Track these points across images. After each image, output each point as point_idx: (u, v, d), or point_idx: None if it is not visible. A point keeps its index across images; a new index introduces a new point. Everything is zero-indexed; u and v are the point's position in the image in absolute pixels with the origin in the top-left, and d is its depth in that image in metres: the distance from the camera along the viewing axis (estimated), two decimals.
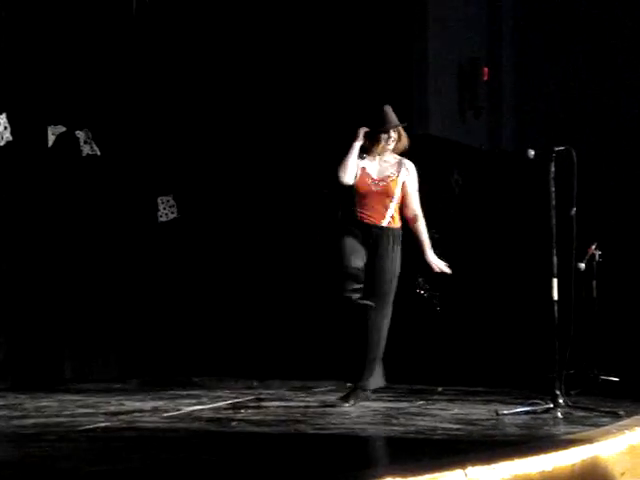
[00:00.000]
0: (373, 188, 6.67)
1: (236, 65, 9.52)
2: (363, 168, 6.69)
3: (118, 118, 8.73)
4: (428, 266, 9.36)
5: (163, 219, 9.13)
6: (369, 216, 6.65)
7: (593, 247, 8.18)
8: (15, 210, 8.04)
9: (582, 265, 7.91)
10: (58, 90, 8.29)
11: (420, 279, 9.20)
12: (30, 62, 8.12)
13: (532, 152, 6.40)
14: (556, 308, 6.29)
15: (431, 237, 6.85)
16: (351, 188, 6.66)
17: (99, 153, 8.55)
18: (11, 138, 7.93)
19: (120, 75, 8.75)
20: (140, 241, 8.91)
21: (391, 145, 6.71)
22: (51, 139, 8.28)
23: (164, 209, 9.10)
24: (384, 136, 6.67)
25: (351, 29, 9.67)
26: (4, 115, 7.90)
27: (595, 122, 10.13)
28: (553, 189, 6.34)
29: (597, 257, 8.19)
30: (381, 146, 6.68)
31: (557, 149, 6.38)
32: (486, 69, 10.40)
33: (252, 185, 9.45)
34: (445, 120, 10.07)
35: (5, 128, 7.90)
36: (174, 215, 9.16)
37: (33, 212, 8.15)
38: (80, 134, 8.48)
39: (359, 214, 6.65)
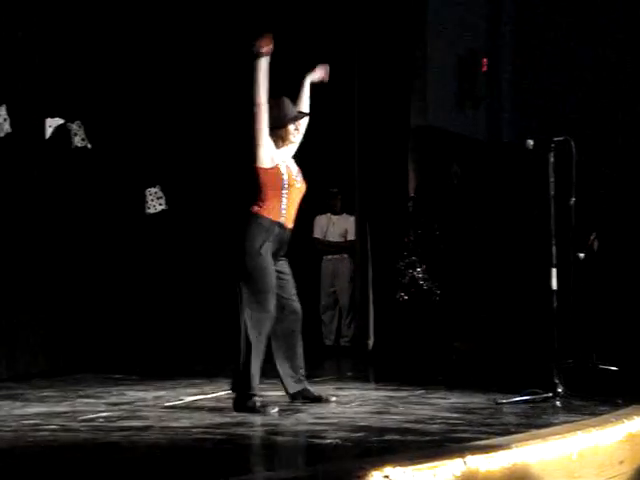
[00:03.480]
0: (297, 185, 6.13)
1: (228, 57, 9.51)
2: (280, 159, 6.11)
3: (108, 110, 8.74)
4: (426, 257, 9.42)
5: (151, 211, 9.13)
6: (286, 219, 6.09)
7: (592, 237, 8.20)
8: (12, 202, 8.06)
9: (581, 255, 7.93)
10: (56, 82, 8.31)
11: (419, 269, 9.23)
12: (29, 54, 8.13)
13: (531, 142, 6.41)
14: (555, 297, 6.31)
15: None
16: (255, 179, 6.06)
17: (89, 145, 8.56)
18: (10, 130, 7.94)
19: (112, 68, 8.77)
20: (128, 233, 8.92)
21: (297, 137, 6.24)
22: (48, 131, 8.29)
23: (152, 201, 9.10)
24: (291, 127, 6.15)
25: (349, 20, 9.68)
26: (4, 107, 7.91)
27: (594, 111, 10.15)
28: (552, 179, 6.36)
29: (596, 246, 8.22)
30: (289, 137, 6.17)
31: (556, 139, 6.39)
32: (485, 60, 10.41)
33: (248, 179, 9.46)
34: (444, 111, 10.09)
35: (5, 120, 7.91)
36: (162, 207, 9.15)
37: (29, 204, 8.17)
38: (72, 126, 8.49)
39: (271, 213, 6.03)
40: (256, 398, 5.86)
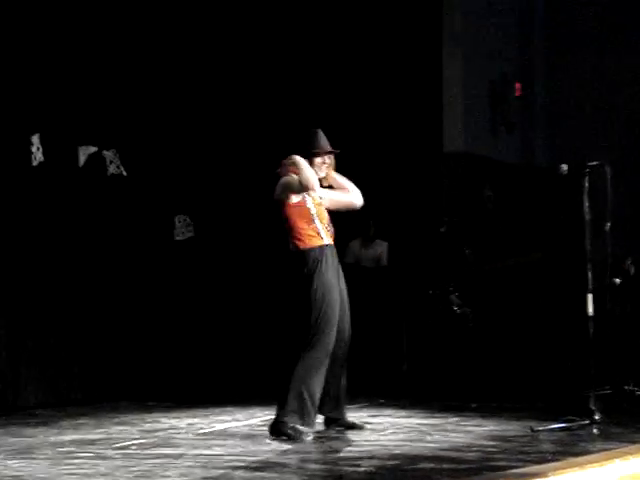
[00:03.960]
0: (324, 212, 6.17)
1: (259, 88, 9.56)
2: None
3: (139, 138, 8.81)
4: (460, 282, 9.37)
5: (179, 238, 9.19)
6: (327, 235, 6.14)
7: (628, 262, 8.13)
8: (46, 230, 8.12)
9: (617, 280, 7.86)
10: (88, 111, 8.39)
11: (452, 295, 9.18)
12: (62, 83, 8.21)
13: (565, 167, 6.37)
14: (591, 323, 6.25)
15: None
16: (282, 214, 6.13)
17: (125, 173, 8.63)
18: (43, 159, 8.02)
19: (144, 97, 8.85)
20: (156, 259, 8.97)
21: (323, 172, 6.20)
22: (82, 159, 8.36)
23: (181, 228, 9.16)
24: (318, 160, 6.16)
25: (382, 47, 9.70)
26: (37, 136, 7.99)
27: (628, 136, 10.09)
28: (587, 204, 6.31)
29: (632, 271, 8.15)
30: (315, 169, 6.11)
31: (590, 164, 6.35)
32: (518, 85, 10.39)
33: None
34: (477, 136, 10.07)
35: (38, 149, 7.98)
36: (190, 234, 9.21)
37: (62, 232, 8.23)
38: (107, 154, 8.56)
39: (320, 236, 6.09)
40: (302, 428, 5.82)
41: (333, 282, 6.02)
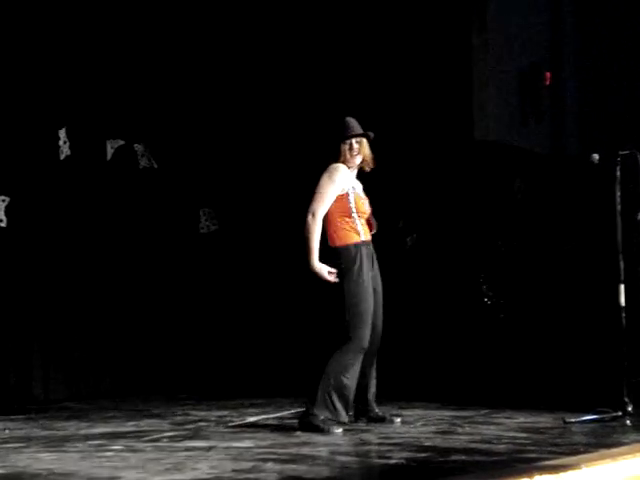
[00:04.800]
0: (366, 208, 6.20)
1: (287, 77, 9.53)
2: (350, 185, 6.15)
3: (164, 131, 8.83)
4: (491, 273, 9.32)
5: (204, 231, 9.20)
6: (365, 233, 6.15)
7: None
8: (73, 224, 8.16)
9: None
10: (115, 105, 8.41)
11: (484, 286, 9.13)
12: (89, 77, 8.23)
13: (596, 156, 6.32)
14: (623, 314, 6.19)
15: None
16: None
17: (156, 166, 8.67)
18: (70, 152, 8.04)
19: (168, 90, 8.87)
20: (182, 252, 8.99)
21: (357, 158, 6.15)
22: (110, 152, 8.38)
23: (205, 221, 9.17)
24: (344, 147, 6.12)
25: (411, 35, 9.64)
26: (64, 130, 8.01)
27: None
28: (619, 193, 6.25)
29: None
30: (346, 158, 6.11)
31: (622, 153, 6.29)
32: (548, 74, 10.30)
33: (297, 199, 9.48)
34: (507, 126, 9.99)
35: (65, 142, 8.01)
36: (215, 227, 9.22)
37: (89, 226, 8.27)
38: (138, 147, 8.59)
39: (358, 232, 6.09)
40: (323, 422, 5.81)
41: (366, 279, 6.00)
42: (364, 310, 5.95)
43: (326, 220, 6.05)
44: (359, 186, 6.25)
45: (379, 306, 6.17)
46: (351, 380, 5.91)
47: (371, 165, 6.25)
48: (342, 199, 6.06)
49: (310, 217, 5.97)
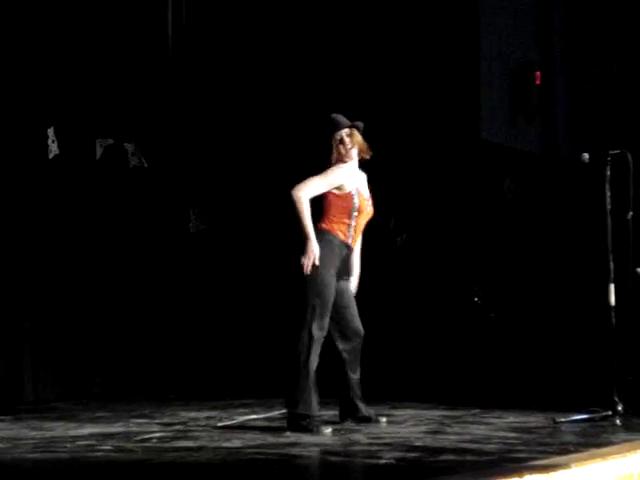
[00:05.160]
0: (367, 210, 6.10)
1: (282, 74, 9.52)
2: (354, 184, 6.05)
3: (152, 130, 8.81)
4: (481, 273, 9.32)
5: (194, 230, 9.19)
6: (353, 240, 6.08)
7: None
8: (61, 224, 8.13)
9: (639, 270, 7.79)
10: (104, 103, 8.39)
11: (474, 286, 9.13)
12: (77, 76, 8.21)
13: (587, 156, 6.32)
14: (613, 314, 6.20)
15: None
16: (325, 199, 5.99)
17: (146, 165, 8.64)
18: (58, 152, 8.02)
19: (160, 89, 8.86)
20: (172, 251, 8.97)
21: (352, 151, 6.03)
22: (99, 152, 8.36)
23: (195, 220, 9.16)
24: (336, 143, 6.02)
25: (401, 37, 9.64)
26: (52, 129, 7.99)
27: None
28: (609, 193, 6.25)
29: None
30: (340, 153, 6.03)
31: (612, 152, 6.29)
32: (538, 73, 10.30)
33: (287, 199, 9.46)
34: (497, 125, 10.00)
35: (53, 141, 7.98)
36: (204, 227, 9.22)
37: (78, 225, 8.24)
38: (128, 146, 8.57)
39: (344, 233, 6.02)
40: (309, 418, 5.80)
41: (332, 273, 5.93)
42: (327, 297, 5.88)
43: (323, 208, 5.99)
44: (364, 180, 6.16)
45: (354, 307, 6.13)
46: (314, 364, 5.87)
47: (369, 153, 6.14)
48: (346, 198, 5.98)
49: (294, 194, 5.82)
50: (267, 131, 9.42)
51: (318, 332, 5.87)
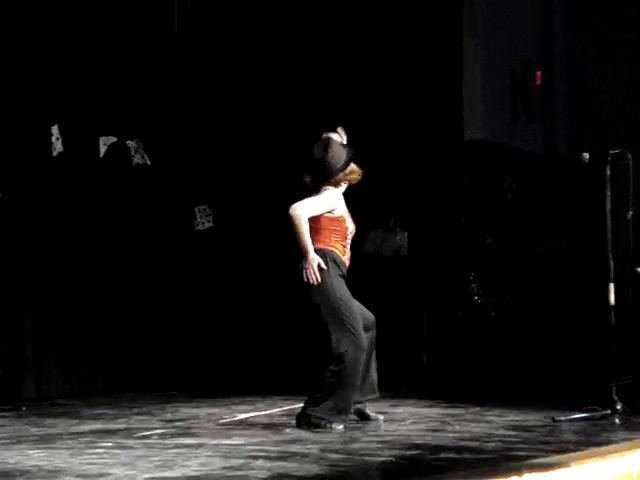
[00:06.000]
0: (351, 228, 6.13)
1: (279, 79, 9.54)
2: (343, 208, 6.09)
3: (158, 128, 8.83)
4: (481, 272, 9.32)
5: (199, 228, 9.21)
6: (348, 259, 6.10)
7: None
8: (66, 221, 8.15)
9: (639, 269, 7.80)
10: (108, 101, 8.41)
11: (473, 285, 9.15)
12: (81, 73, 8.23)
13: (587, 156, 6.33)
14: (613, 313, 6.21)
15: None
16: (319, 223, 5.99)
17: (149, 163, 8.66)
18: (62, 149, 8.03)
19: (164, 87, 8.87)
20: (177, 249, 8.99)
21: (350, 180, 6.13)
22: (102, 149, 8.37)
23: (200, 218, 9.18)
24: (346, 172, 6.04)
25: (400, 35, 9.65)
26: (56, 126, 8.00)
27: None
28: (609, 193, 6.27)
29: None
30: (340, 181, 6.06)
31: (612, 152, 6.31)
32: (539, 73, 10.31)
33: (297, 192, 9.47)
34: (498, 125, 10.01)
35: (57, 139, 8.00)
36: (210, 224, 9.23)
37: (82, 222, 8.26)
38: (131, 144, 8.58)
39: (342, 252, 6.02)
40: (324, 420, 5.78)
41: (342, 282, 5.95)
42: (352, 307, 5.91)
43: (315, 232, 5.94)
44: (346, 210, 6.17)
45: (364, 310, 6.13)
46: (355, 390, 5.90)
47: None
48: (339, 221, 6.00)
49: (294, 212, 5.83)
50: (272, 127, 9.44)
51: (355, 354, 5.80)
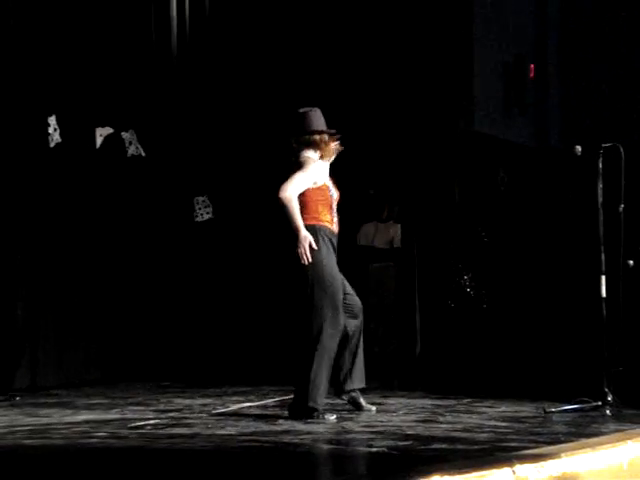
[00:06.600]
0: (336, 196, 6.21)
1: (276, 68, 9.54)
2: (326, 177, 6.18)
3: (156, 119, 8.83)
4: (474, 264, 9.35)
5: (199, 219, 9.22)
6: (337, 227, 6.17)
7: None
8: (63, 211, 8.15)
9: (631, 262, 7.83)
10: (105, 92, 8.41)
11: (466, 277, 9.18)
12: (78, 64, 8.22)
13: (579, 149, 6.36)
14: (604, 305, 6.25)
15: None
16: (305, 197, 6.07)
17: (144, 154, 8.66)
18: (60, 140, 8.03)
19: (161, 77, 8.87)
20: (175, 240, 9.00)
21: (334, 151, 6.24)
22: (99, 140, 8.37)
23: (199, 209, 9.19)
24: (322, 140, 6.16)
25: (395, 28, 9.66)
26: (54, 117, 8.00)
27: None
28: (600, 186, 6.30)
29: None
30: (332, 152, 6.21)
31: (604, 145, 6.33)
32: (532, 66, 10.34)
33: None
34: (491, 117, 10.03)
35: (55, 130, 8.00)
36: (209, 215, 9.24)
37: (80, 213, 8.26)
38: (125, 135, 8.58)
39: (330, 222, 6.12)
40: (317, 411, 5.84)
41: (333, 265, 6.03)
42: (336, 289, 5.97)
43: (302, 204, 6.02)
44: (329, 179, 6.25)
45: (350, 290, 6.18)
46: (330, 366, 5.95)
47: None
48: (322, 191, 6.09)
49: (283, 194, 5.91)
50: (270, 117, 9.44)
51: (332, 330, 5.90)
